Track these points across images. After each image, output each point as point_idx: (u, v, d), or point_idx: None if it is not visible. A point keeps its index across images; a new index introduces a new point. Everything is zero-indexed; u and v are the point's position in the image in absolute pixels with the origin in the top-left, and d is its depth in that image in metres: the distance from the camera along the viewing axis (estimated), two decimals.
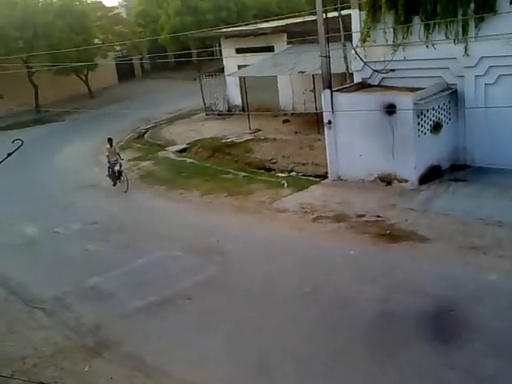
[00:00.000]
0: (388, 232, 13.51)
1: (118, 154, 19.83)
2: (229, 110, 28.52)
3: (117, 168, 19.53)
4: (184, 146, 24.23)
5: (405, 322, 9.99)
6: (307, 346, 9.70)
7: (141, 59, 46.57)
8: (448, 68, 16.54)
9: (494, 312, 9.91)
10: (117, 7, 49.34)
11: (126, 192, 19.11)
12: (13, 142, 6.83)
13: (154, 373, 9.49)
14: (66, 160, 24.73)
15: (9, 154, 6.85)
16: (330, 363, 9.19)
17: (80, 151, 25.90)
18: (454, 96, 16.74)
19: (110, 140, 19.77)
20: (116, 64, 44.31)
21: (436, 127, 16.50)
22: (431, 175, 16.35)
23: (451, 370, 8.61)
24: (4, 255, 15.11)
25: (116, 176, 19.68)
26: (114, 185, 19.80)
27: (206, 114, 29.15)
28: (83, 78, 39.80)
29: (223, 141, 23.50)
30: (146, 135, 27.98)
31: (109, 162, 19.70)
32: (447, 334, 9.61)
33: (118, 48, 43.70)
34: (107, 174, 19.96)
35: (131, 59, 44.74)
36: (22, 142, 6.89)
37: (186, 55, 40.38)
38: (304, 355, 9.46)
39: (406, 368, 8.83)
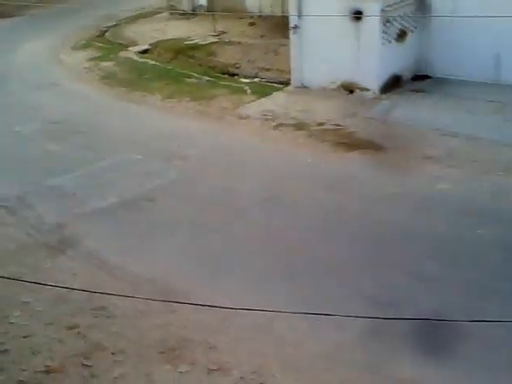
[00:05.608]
0: (346, 141, 13.82)
1: None
2: (193, 10, 27.63)
3: None
4: (146, 46, 23.49)
5: (348, 224, 10.65)
6: (264, 247, 10.20)
7: None
8: None
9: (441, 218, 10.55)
10: None
11: None
12: None
13: (114, 270, 9.84)
14: (25, 57, 23.78)
15: None
16: (288, 262, 9.71)
17: (40, 49, 24.87)
18: (421, 3, 16.61)
19: None
20: None
21: (401, 35, 16.46)
22: (393, 85, 16.47)
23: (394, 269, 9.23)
24: None
25: None
26: None
27: (170, 14, 28.11)
28: None
29: (186, 42, 22.87)
30: (107, 34, 27.01)
31: None
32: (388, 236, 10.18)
33: None
34: None
35: None
36: None
37: None
38: (261, 257, 9.96)
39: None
